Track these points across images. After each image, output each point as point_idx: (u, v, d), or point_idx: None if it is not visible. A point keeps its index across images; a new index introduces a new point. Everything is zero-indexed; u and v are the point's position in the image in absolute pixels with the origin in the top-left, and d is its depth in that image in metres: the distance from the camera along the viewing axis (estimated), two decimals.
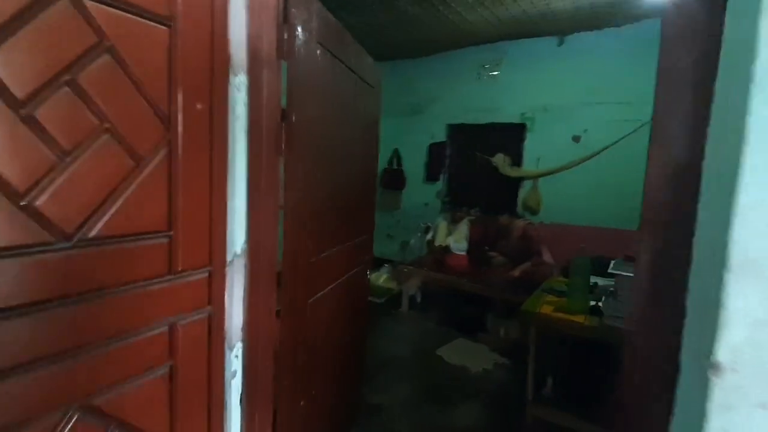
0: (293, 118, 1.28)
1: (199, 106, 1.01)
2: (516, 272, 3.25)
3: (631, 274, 1.87)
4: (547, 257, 3.37)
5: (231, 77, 1.09)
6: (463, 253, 3.89)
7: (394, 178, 5.14)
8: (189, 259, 1.01)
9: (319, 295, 1.53)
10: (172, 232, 0.96)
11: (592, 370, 2.67)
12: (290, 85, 1.26)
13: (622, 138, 3.84)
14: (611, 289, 2.19)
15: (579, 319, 2.03)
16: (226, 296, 1.12)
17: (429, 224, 4.72)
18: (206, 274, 1.07)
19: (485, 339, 3.39)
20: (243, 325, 1.19)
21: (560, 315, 2.06)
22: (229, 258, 1.12)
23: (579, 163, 4.04)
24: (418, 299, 3.93)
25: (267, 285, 1.24)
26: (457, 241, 3.90)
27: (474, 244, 3.97)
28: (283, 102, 1.26)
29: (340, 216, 1.71)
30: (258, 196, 1.18)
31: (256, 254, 1.19)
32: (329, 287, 1.63)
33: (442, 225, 4.04)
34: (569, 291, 2.17)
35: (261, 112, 1.17)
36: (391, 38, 4.37)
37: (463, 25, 3.86)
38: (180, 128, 0.96)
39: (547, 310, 2.13)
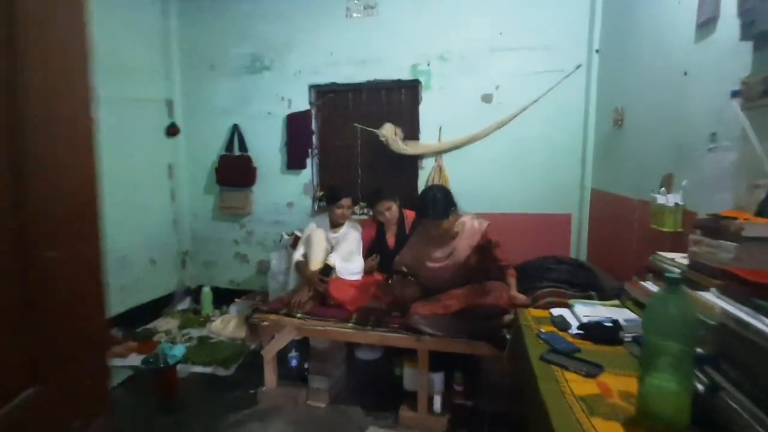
0: None
1: None
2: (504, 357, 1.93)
3: None
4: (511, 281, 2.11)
5: None
6: (358, 277, 2.49)
7: (238, 170, 3.42)
8: None
9: None
10: None
11: None
12: None
13: (544, 94, 2.91)
14: (706, 355, 1.03)
15: None
16: None
17: (297, 233, 3.17)
18: None
19: (410, 419, 2.07)
20: None
21: None
22: None
23: (493, 131, 3.01)
24: (294, 362, 2.39)
25: None
26: (346, 258, 2.47)
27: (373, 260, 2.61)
28: None
29: None
30: None
31: None
32: None
33: (318, 234, 2.56)
34: (648, 373, 0.93)
35: None
36: None
37: None
38: None
39: None
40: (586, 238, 2.90)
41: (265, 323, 2.16)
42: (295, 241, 2.90)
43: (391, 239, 2.59)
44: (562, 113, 2.89)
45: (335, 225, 2.68)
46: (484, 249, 2.09)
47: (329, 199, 2.67)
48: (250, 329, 2.17)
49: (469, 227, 2.11)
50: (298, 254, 2.57)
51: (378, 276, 2.54)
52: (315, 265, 2.42)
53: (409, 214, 2.56)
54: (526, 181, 2.99)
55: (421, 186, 3.17)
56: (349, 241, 2.58)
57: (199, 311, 3.51)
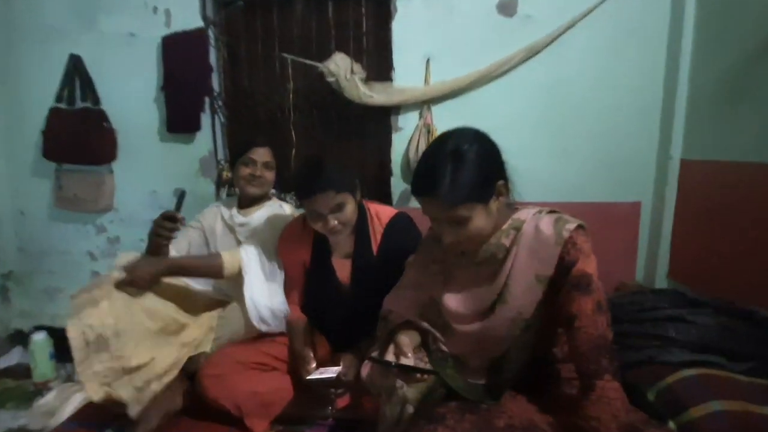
0: None
1: None
2: None
3: None
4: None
5: None
6: (276, 326, 1.20)
7: (83, 135, 1.99)
8: None
9: None
10: None
11: None
12: None
13: (602, 2, 1.72)
14: None
15: None
16: None
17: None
18: None
19: None
20: None
21: None
22: None
23: (516, 65, 1.79)
24: None
25: None
26: (270, 275, 1.20)
27: (320, 301, 1.29)
28: None
29: None
30: None
31: None
32: None
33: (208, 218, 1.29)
34: None
35: None
36: None
37: None
38: None
39: None
40: (668, 243, 1.77)
41: None
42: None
43: (342, 267, 1.27)
44: (631, 34, 1.71)
45: (245, 202, 1.45)
46: (565, 292, 0.86)
47: (235, 152, 1.55)
48: None
49: (530, 233, 0.90)
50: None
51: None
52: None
53: (380, 212, 1.28)
54: (566, 149, 1.82)
55: (396, 159, 1.92)
56: (268, 242, 1.30)
57: (30, 373, 2.10)
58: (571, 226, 0.88)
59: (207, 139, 2.00)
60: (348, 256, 1.26)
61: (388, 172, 1.92)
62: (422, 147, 1.82)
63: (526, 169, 1.61)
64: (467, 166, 0.85)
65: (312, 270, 1.26)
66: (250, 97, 1.97)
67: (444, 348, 1.01)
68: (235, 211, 1.49)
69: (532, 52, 1.75)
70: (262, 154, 1.44)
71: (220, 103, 1.99)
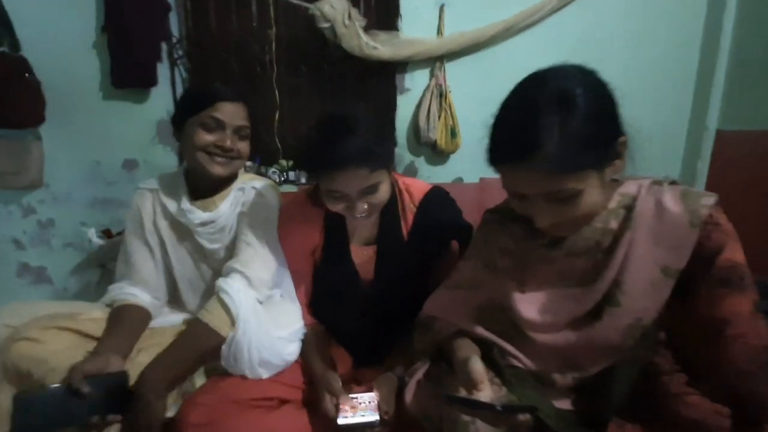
0: None
1: None
2: None
3: None
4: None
5: None
6: (285, 362, 0.90)
7: (0, 90, 1.53)
8: None
9: None
10: None
11: None
12: None
13: None
14: None
15: None
16: None
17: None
18: None
19: None
20: None
21: None
22: None
23: (544, 16, 1.55)
24: None
25: None
26: (267, 300, 0.89)
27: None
28: None
29: None
30: None
31: None
32: None
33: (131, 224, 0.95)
34: None
35: None
36: None
37: None
38: None
39: None
40: None
41: None
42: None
43: (363, 256, 0.97)
44: None
45: (202, 186, 0.99)
46: (707, 290, 0.64)
47: (187, 107, 0.95)
48: None
49: (649, 211, 0.67)
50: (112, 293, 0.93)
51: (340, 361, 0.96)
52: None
53: (410, 187, 0.99)
54: None
55: (402, 125, 1.63)
56: (260, 242, 0.97)
57: None
58: (709, 200, 0.65)
59: (165, 96, 1.60)
60: (370, 242, 0.98)
61: (392, 142, 1.63)
62: (434, 111, 1.55)
63: None
64: (581, 118, 0.58)
65: (324, 260, 0.97)
66: (219, 44, 1.59)
67: (517, 363, 0.78)
68: (186, 202, 0.97)
69: (564, 1, 1.51)
70: (232, 114, 0.93)
71: (180, 52, 1.59)
